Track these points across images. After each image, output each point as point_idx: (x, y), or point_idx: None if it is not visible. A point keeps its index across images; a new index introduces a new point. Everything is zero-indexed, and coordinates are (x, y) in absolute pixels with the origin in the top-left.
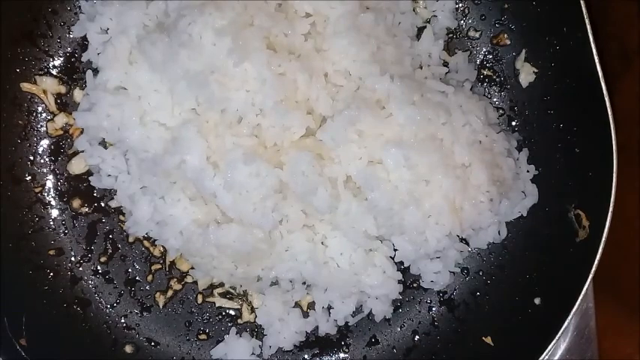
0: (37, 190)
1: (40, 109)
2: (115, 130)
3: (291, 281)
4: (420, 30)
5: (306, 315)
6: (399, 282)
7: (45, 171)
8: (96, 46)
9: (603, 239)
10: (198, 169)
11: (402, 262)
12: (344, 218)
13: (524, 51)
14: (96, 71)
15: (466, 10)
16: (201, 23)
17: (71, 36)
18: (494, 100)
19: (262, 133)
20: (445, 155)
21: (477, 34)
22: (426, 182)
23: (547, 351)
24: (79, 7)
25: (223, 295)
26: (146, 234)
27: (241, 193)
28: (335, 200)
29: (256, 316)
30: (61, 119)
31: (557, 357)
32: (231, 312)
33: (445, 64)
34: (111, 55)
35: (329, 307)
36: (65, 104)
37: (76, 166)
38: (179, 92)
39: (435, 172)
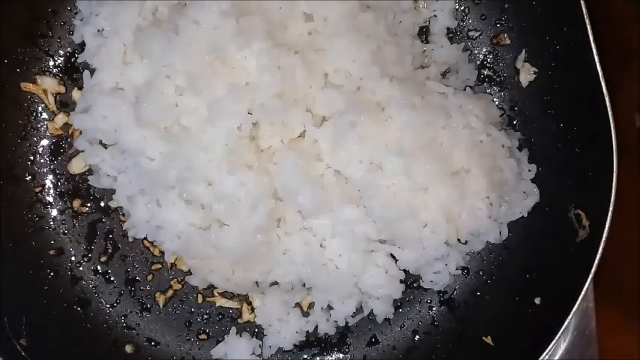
0: (37, 190)
1: (40, 108)
2: (112, 131)
3: (290, 282)
4: (421, 29)
5: (306, 315)
6: (401, 282)
7: (45, 171)
8: (92, 46)
9: (603, 239)
10: (193, 181)
11: None
12: (343, 223)
13: (524, 51)
14: (94, 72)
15: (466, 10)
16: (202, 6)
17: (71, 36)
18: (495, 100)
19: (259, 131)
20: (444, 161)
21: (477, 34)
22: (424, 190)
23: (547, 351)
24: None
25: (223, 294)
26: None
27: (232, 202)
28: (329, 203)
29: (256, 316)
30: (61, 119)
31: (557, 357)
32: (231, 312)
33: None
34: (106, 56)
35: (329, 308)
36: (65, 104)
37: (76, 166)
38: (177, 85)
39: (434, 180)
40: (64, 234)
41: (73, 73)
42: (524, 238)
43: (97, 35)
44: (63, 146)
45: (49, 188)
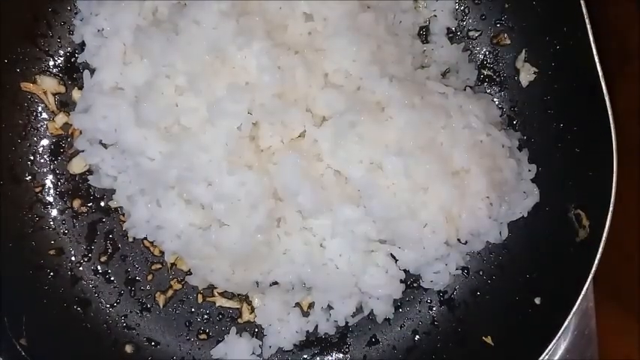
0: (37, 189)
1: (40, 108)
2: (112, 131)
3: (290, 282)
4: (421, 29)
5: (306, 315)
6: (401, 282)
7: (45, 171)
8: (92, 46)
9: (603, 239)
10: (193, 181)
11: None
12: (343, 223)
13: (524, 51)
14: (94, 71)
15: (466, 10)
16: (202, 6)
17: (71, 36)
18: (495, 100)
19: (259, 131)
20: (444, 161)
21: (477, 34)
22: (424, 190)
23: (547, 351)
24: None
25: (223, 294)
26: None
27: (232, 202)
28: (329, 203)
29: (256, 316)
30: (61, 119)
31: (557, 357)
32: (231, 312)
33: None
34: (106, 56)
35: (329, 308)
36: (65, 104)
37: (76, 166)
38: (177, 85)
39: (434, 180)
40: (64, 234)
41: (73, 73)
42: (524, 238)
43: (97, 35)
44: (63, 146)
45: (49, 188)
